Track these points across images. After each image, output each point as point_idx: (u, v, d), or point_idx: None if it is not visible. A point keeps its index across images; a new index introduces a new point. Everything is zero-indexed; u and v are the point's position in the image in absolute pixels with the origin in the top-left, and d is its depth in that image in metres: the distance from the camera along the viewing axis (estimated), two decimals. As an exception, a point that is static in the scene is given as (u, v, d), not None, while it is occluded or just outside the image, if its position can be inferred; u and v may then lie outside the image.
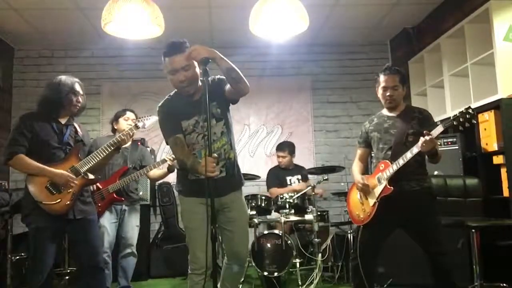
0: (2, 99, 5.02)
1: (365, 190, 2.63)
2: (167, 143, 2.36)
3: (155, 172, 3.49)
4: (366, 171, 2.82)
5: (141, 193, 3.90)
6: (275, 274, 3.53)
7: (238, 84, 2.19)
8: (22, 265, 3.85)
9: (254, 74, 5.24)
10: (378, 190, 2.56)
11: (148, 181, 4.35)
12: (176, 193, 3.70)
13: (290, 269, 3.65)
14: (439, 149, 2.50)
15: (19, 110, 5.05)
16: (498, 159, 3.57)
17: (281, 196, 3.88)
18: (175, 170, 2.60)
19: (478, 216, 3.28)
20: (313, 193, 3.83)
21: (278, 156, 4.57)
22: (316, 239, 3.69)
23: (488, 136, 3.66)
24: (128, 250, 3.46)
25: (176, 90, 2.40)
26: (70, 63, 5.30)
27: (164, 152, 5.13)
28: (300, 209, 3.88)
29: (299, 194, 3.85)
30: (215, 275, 2.05)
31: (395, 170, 2.48)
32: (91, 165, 2.58)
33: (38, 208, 2.43)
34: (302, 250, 3.86)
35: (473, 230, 2.97)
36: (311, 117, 5.50)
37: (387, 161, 2.55)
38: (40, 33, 4.93)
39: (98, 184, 3.29)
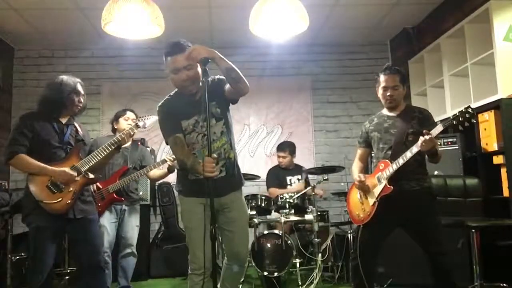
0: (2, 99, 5.02)
1: (364, 188, 2.63)
2: (167, 143, 2.36)
3: (155, 172, 3.49)
4: (366, 171, 2.82)
5: (141, 193, 3.90)
6: (275, 274, 3.53)
7: (238, 84, 2.19)
8: (22, 265, 3.85)
9: (254, 74, 5.24)
10: (378, 190, 2.56)
11: (148, 181, 4.35)
12: (176, 193, 3.70)
13: (290, 269, 3.65)
14: (439, 149, 2.50)
15: (19, 110, 5.05)
16: (498, 159, 3.57)
17: (281, 196, 3.88)
18: (175, 170, 2.60)
19: (478, 216, 3.28)
20: (313, 193, 3.83)
21: (279, 156, 4.57)
22: (316, 239, 3.69)
23: (488, 136, 3.66)
24: (128, 250, 3.46)
25: (176, 90, 2.40)
26: (70, 63, 5.30)
27: (164, 152, 5.13)
28: (300, 209, 3.88)
29: (299, 194, 3.85)
30: (215, 275, 2.05)
31: (395, 169, 2.48)
32: (91, 164, 2.58)
33: (38, 207, 2.43)
34: (302, 250, 3.86)
35: (473, 230, 2.97)
36: (311, 117, 5.50)
37: (387, 160, 2.55)
38: (40, 33, 4.93)
39: (98, 184, 3.29)
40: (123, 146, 2.76)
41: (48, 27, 4.76)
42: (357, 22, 4.92)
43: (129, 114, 3.55)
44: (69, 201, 2.49)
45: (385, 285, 3.34)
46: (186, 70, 2.21)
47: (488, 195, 3.51)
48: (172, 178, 3.50)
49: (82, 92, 2.66)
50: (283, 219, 3.62)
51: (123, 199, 3.39)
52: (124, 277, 3.47)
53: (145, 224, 4.31)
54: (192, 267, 2.30)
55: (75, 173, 2.50)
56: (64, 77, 2.63)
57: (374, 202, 2.56)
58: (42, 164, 2.46)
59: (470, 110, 2.29)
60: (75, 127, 2.69)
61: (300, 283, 3.54)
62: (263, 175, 4.66)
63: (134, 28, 3.05)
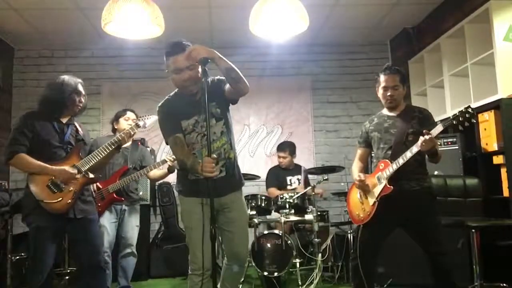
0: (2, 99, 5.02)
1: (364, 188, 2.63)
2: (167, 143, 2.36)
3: (155, 173, 3.49)
4: (366, 171, 2.82)
5: (141, 193, 3.90)
6: (275, 274, 3.53)
7: (238, 84, 2.19)
8: (22, 265, 3.85)
9: (254, 74, 5.24)
10: (378, 190, 2.56)
11: (148, 181, 4.35)
12: (176, 193, 3.70)
13: (290, 269, 3.65)
14: (439, 149, 2.50)
15: (19, 110, 5.06)
16: (498, 159, 3.57)
17: (281, 196, 3.88)
18: (175, 171, 2.60)
19: (478, 216, 3.28)
20: (313, 193, 3.83)
21: (279, 157, 4.57)
22: (316, 239, 3.69)
23: (488, 136, 3.66)
24: (128, 250, 3.46)
25: (176, 90, 2.40)
26: (70, 63, 5.30)
27: (164, 152, 5.13)
28: (300, 209, 3.88)
29: (299, 194, 3.85)
30: (215, 276, 2.05)
31: (395, 169, 2.48)
32: (92, 164, 2.58)
33: (38, 207, 2.43)
34: (302, 250, 3.86)
35: (473, 230, 2.97)
36: (311, 117, 5.50)
37: (387, 160, 2.55)
38: (40, 33, 4.93)
39: (98, 183, 3.29)
40: (123, 146, 2.76)
41: (48, 27, 4.76)
42: (357, 22, 4.92)
43: (130, 114, 3.55)
44: (70, 201, 2.49)
45: (385, 285, 3.34)
46: (189, 70, 2.21)
47: (488, 195, 3.51)
48: (172, 178, 3.51)
49: (83, 92, 2.67)
50: (283, 219, 3.62)
51: (123, 199, 3.39)
52: (124, 277, 3.47)
53: (145, 224, 4.31)
54: (192, 267, 2.29)
55: (75, 171, 2.50)
56: (65, 77, 2.63)
57: (374, 202, 2.56)
58: (43, 164, 2.46)
59: (470, 110, 2.30)
60: (75, 126, 2.70)
61: (300, 283, 3.54)
62: (263, 175, 4.66)
63: (134, 28, 3.05)
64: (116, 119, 3.56)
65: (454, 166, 3.78)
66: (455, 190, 3.45)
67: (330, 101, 5.55)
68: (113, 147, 2.66)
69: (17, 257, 3.82)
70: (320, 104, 5.52)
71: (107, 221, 3.33)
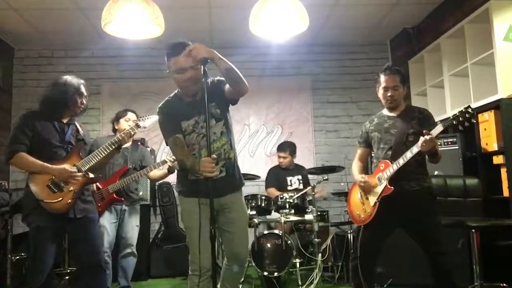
0: (2, 99, 5.02)
1: (367, 188, 2.62)
2: (167, 144, 2.37)
3: (155, 173, 3.49)
4: (366, 171, 2.82)
5: (141, 193, 3.90)
6: (275, 274, 3.53)
7: (237, 84, 2.20)
8: (22, 265, 3.85)
9: (254, 74, 5.24)
10: (378, 190, 2.56)
11: (148, 181, 4.35)
12: (176, 193, 3.70)
13: (290, 269, 3.65)
14: (439, 149, 2.50)
15: (19, 110, 5.05)
16: (498, 159, 3.57)
17: (281, 196, 3.88)
18: (175, 171, 2.60)
19: (478, 216, 3.28)
20: (313, 193, 3.83)
21: (279, 157, 4.57)
22: (316, 239, 3.69)
23: (488, 136, 3.66)
24: (128, 250, 3.46)
25: (176, 91, 2.42)
26: (70, 63, 5.30)
27: (164, 152, 5.13)
28: (300, 209, 3.88)
29: (299, 194, 3.85)
30: (215, 276, 2.05)
31: (395, 170, 2.48)
32: (92, 164, 2.59)
33: (39, 207, 2.43)
34: (302, 250, 3.86)
35: (473, 230, 2.97)
36: (311, 117, 5.50)
37: (387, 161, 2.55)
38: (40, 33, 4.93)
39: (98, 184, 3.29)
40: (123, 146, 2.76)
41: (48, 27, 4.76)
42: (357, 22, 4.92)
43: (130, 115, 3.54)
44: (70, 201, 2.49)
45: (385, 285, 3.34)
46: (193, 70, 2.21)
47: (488, 195, 3.51)
48: (172, 178, 3.50)
49: (85, 93, 2.67)
50: (283, 219, 3.62)
51: (123, 199, 3.39)
52: (124, 277, 3.47)
53: (145, 224, 4.31)
54: (193, 267, 2.29)
55: (75, 170, 2.50)
56: (68, 78, 2.63)
57: (375, 203, 2.56)
58: (42, 163, 2.46)
59: (470, 110, 2.30)
60: (75, 126, 2.70)
61: (300, 283, 3.54)
62: (263, 175, 4.66)
63: (134, 28, 3.05)
64: (116, 119, 3.56)
65: (454, 166, 3.78)
66: (455, 190, 3.45)
67: (330, 101, 5.55)
68: (113, 147, 2.66)
69: (17, 257, 3.82)
70: (320, 104, 5.52)
71: (107, 221, 3.33)
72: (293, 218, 3.76)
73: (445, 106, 4.30)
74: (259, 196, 3.95)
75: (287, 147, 4.56)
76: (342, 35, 5.32)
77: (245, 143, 5.43)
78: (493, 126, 3.61)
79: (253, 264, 3.59)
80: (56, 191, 2.46)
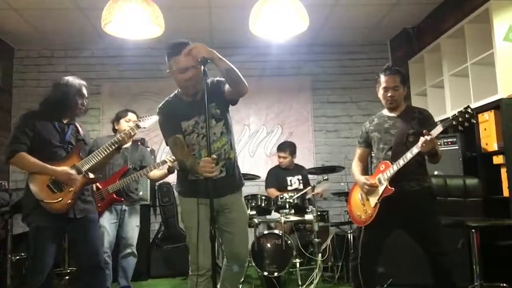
0: (2, 99, 5.02)
1: (372, 191, 2.61)
2: (167, 144, 2.37)
3: (155, 173, 3.49)
4: (366, 171, 2.82)
5: (141, 193, 3.90)
6: (275, 274, 3.53)
7: (237, 84, 2.20)
8: (22, 265, 3.85)
9: (254, 74, 5.25)
10: (379, 191, 2.56)
11: (148, 181, 4.35)
12: (176, 193, 3.70)
13: (290, 269, 3.65)
14: (439, 149, 2.50)
15: (19, 110, 5.05)
16: (498, 159, 3.57)
17: (281, 196, 3.88)
18: (175, 171, 2.61)
19: (478, 216, 3.28)
20: (313, 193, 3.83)
21: (279, 157, 4.57)
22: (316, 239, 3.70)
23: (488, 136, 3.66)
24: (128, 250, 3.46)
25: (176, 92, 2.42)
26: (70, 63, 5.30)
27: (164, 152, 5.13)
28: (300, 209, 3.88)
29: (299, 194, 3.85)
30: (215, 276, 2.05)
31: (395, 170, 2.48)
32: (92, 164, 2.59)
33: (38, 207, 2.43)
34: (302, 250, 3.86)
35: (473, 230, 2.97)
36: (311, 117, 5.50)
37: (388, 161, 2.55)
38: (40, 33, 4.93)
39: (98, 184, 3.29)
40: (123, 146, 2.76)
41: (48, 27, 4.76)
42: (357, 22, 4.92)
43: (131, 116, 3.53)
44: (70, 201, 2.49)
45: (385, 285, 3.34)
46: (195, 69, 2.21)
47: (488, 195, 3.51)
48: (172, 178, 3.51)
49: (86, 95, 2.67)
50: (283, 219, 3.62)
51: (122, 199, 3.39)
52: (124, 277, 3.47)
53: (145, 224, 4.31)
54: (193, 267, 2.29)
55: (75, 173, 2.50)
56: (70, 78, 2.63)
57: (376, 204, 2.56)
58: (43, 163, 2.46)
59: (469, 110, 2.29)
60: (76, 126, 2.70)
61: (300, 283, 3.54)
62: (263, 175, 4.66)
63: (134, 28, 3.05)
64: (117, 119, 3.56)
65: (454, 166, 3.78)
66: (455, 190, 3.44)
67: (330, 101, 5.55)
68: (114, 147, 2.66)
69: (17, 257, 3.82)
70: (320, 104, 5.52)
71: (107, 221, 3.33)
72: (293, 218, 3.76)
73: (445, 106, 4.30)
74: (259, 196, 3.95)
75: (287, 147, 4.56)
76: (342, 35, 5.32)
77: (245, 143, 5.43)
78: (493, 126, 3.61)
79: (253, 264, 3.59)
80: (56, 191, 2.46)
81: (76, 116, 2.68)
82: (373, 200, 2.58)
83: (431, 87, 4.66)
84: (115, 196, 3.34)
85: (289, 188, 4.46)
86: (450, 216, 3.05)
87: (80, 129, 2.72)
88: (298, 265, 3.60)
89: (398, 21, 4.91)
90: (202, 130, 2.30)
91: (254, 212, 3.77)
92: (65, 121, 2.63)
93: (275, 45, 5.05)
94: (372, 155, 2.79)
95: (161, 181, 4.35)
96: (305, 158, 5.19)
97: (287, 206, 3.78)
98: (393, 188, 2.49)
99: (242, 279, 3.20)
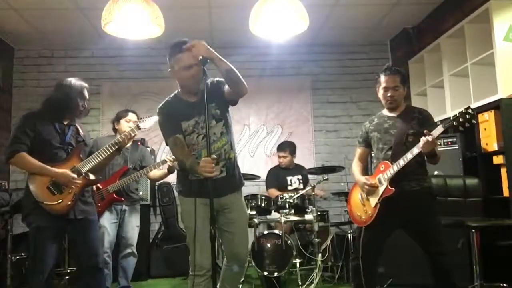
0: (2, 99, 5.02)
1: (372, 191, 2.61)
2: (167, 144, 2.37)
3: (155, 173, 3.49)
4: (366, 171, 2.82)
5: (141, 193, 3.90)
6: (275, 274, 3.53)
7: (237, 85, 2.21)
8: (22, 265, 3.86)
9: (254, 74, 5.25)
10: (379, 191, 2.56)
11: (148, 181, 4.35)
12: (176, 193, 3.70)
13: (290, 269, 3.65)
14: (439, 149, 2.50)
15: (19, 110, 5.06)
16: (498, 159, 3.57)
17: (281, 196, 3.88)
18: (175, 171, 2.61)
19: (478, 216, 3.28)
20: (313, 193, 3.83)
21: (279, 156, 4.57)
22: (316, 239, 3.69)
23: (488, 136, 3.66)
24: (128, 250, 3.46)
25: (176, 92, 2.42)
26: (70, 63, 5.30)
27: (164, 152, 5.13)
28: (300, 209, 3.88)
29: (299, 194, 3.86)
30: (215, 276, 2.05)
31: (395, 170, 2.48)
32: (92, 165, 2.59)
33: (38, 207, 2.43)
34: (302, 250, 3.86)
35: (473, 230, 2.97)
36: (311, 117, 5.50)
37: (388, 161, 2.55)
38: (40, 33, 4.93)
39: (98, 184, 3.29)
40: (124, 146, 2.77)
41: (48, 27, 4.76)
42: (357, 22, 4.92)
43: (131, 116, 3.53)
44: (70, 203, 2.50)
45: (385, 285, 3.34)
46: (197, 67, 2.21)
47: (488, 195, 3.51)
48: (172, 178, 3.51)
49: (87, 97, 2.67)
50: (283, 219, 3.62)
51: (123, 199, 3.39)
52: (124, 277, 3.47)
53: (145, 224, 4.31)
54: (193, 268, 2.29)
55: (75, 176, 2.51)
56: (72, 80, 2.63)
57: (376, 204, 2.56)
58: (43, 164, 2.46)
59: (470, 110, 2.29)
60: (76, 128, 2.70)
61: (300, 283, 3.54)
62: (263, 175, 4.66)
63: (134, 28, 3.05)
64: (117, 119, 3.55)
65: (454, 166, 3.78)
66: (455, 190, 3.44)
67: (330, 101, 5.55)
68: (114, 148, 2.66)
69: (17, 257, 3.82)
70: (320, 104, 5.52)
71: (107, 221, 3.33)
72: (293, 218, 3.76)
73: (445, 106, 4.30)
74: (259, 196, 3.95)
75: (287, 147, 4.56)
76: (342, 35, 5.32)
77: (245, 143, 5.43)
78: (493, 126, 3.61)
79: (253, 264, 3.59)
80: (56, 192, 2.46)
81: (77, 117, 2.68)
82: (373, 200, 2.58)
83: (431, 87, 4.66)
84: (115, 196, 3.34)
85: (289, 188, 4.46)
86: (450, 216, 3.05)
87: (80, 130, 2.72)
88: (298, 265, 3.60)
89: (398, 21, 4.91)
90: (202, 130, 2.30)
91: (254, 212, 3.77)
92: (65, 122, 2.63)
93: (275, 45, 5.05)
94: (372, 155, 2.79)
95: (161, 181, 4.36)
96: (305, 158, 5.18)
97: (287, 206, 3.78)
98: (393, 189, 2.49)
99: (242, 279, 3.20)
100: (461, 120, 2.30)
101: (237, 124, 5.28)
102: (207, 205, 2.07)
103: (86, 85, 2.68)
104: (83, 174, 2.56)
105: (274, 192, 4.37)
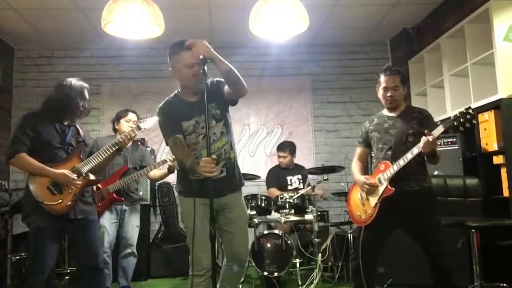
0: (2, 99, 5.02)
1: (372, 190, 2.61)
2: (167, 144, 2.37)
3: (155, 173, 3.49)
4: (366, 171, 2.82)
5: (141, 193, 3.90)
6: (275, 274, 3.53)
7: (236, 86, 2.21)
8: (22, 265, 3.86)
9: (254, 74, 5.25)
10: (379, 191, 2.56)
11: (148, 181, 4.35)
12: (176, 193, 3.70)
13: (290, 269, 3.65)
14: (439, 149, 2.50)
15: (19, 110, 5.06)
16: (498, 159, 3.57)
17: (281, 196, 3.88)
18: (175, 171, 2.61)
19: (478, 216, 3.28)
20: (313, 193, 3.83)
21: (279, 156, 4.57)
22: (316, 239, 3.69)
23: (488, 136, 3.66)
24: (128, 250, 3.46)
25: (176, 92, 2.42)
26: (70, 63, 5.30)
27: (164, 152, 5.13)
28: (300, 209, 3.88)
29: (299, 194, 3.86)
30: (215, 276, 2.05)
31: (395, 170, 2.48)
32: (92, 165, 2.59)
33: (38, 207, 2.43)
34: (302, 250, 3.86)
35: (473, 230, 2.97)
36: (311, 117, 5.50)
37: (388, 161, 2.55)
38: (40, 33, 4.93)
39: (98, 184, 3.29)
40: (124, 147, 2.77)
41: (48, 27, 4.76)
42: (357, 22, 4.92)
43: (131, 116, 3.53)
44: (70, 203, 2.50)
45: (385, 285, 3.34)
46: (198, 66, 2.21)
47: (488, 195, 3.51)
48: (172, 178, 3.51)
49: (87, 97, 2.67)
50: (283, 219, 3.62)
51: (123, 199, 3.39)
52: (124, 277, 3.47)
53: (145, 224, 4.31)
54: (194, 268, 2.29)
55: (75, 176, 2.50)
56: (72, 80, 2.63)
57: (376, 204, 2.56)
58: (43, 165, 2.46)
59: (470, 111, 2.29)
60: (76, 128, 2.70)
61: (300, 283, 3.54)
62: (263, 175, 4.66)
63: (134, 28, 3.04)
64: (117, 119, 3.55)
65: (454, 166, 3.78)
66: (455, 190, 3.44)
67: (330, 101, 5.55)
68: (114, 149, 2.66)
69: (17, 257, 3.82)
70: (320, 104, 5.52)
71: (107, 221, 3.33)
72: (293, 218, 3.76)
73: (445, 106, 4.30)
74: (259, 196, 3.95)
75: (286, 147, 4.56)
76: (342, 35, 5.32)
77: (245, 143, 5.43)
78: (493, 126, 3.61)
79: (253, 264, 3.59)
80: (56, 193, 2.46)
81: (77, 118, 2.68)
82: (373, 200, 2.58)
83: (431, 87, 4.66)
84: (115, 196, 3.34)
85: (289, 187, 4.46)
86: (450, 216, 3.05)
87: (80, 130, 2.72)
88: (298, 265, 3.60)
89: (398, 21, 4.91)
90: (203, 130, 2.30)
91: (254, 212, 3.77)
92: (65, 123, 2.63)
93: (275, 45, 5.05)
94: (372, 155, 2.79)
95: (161, 181, 4.36)
96: (305, 158, 5.19)
97: (287, 206, 3.78)
98: (393, 188, 2.49)
99: (242, 279, 3.20)
100: (461, 120, 2.30)
101: (237, 124, 5.27)
102: (207, 205, 2.07)
103: (86, 85, 2.68)
104: (83, 174, 2.56)
105: (274, 192, 4.37)
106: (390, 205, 2.50)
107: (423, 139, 2.32)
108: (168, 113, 2.35)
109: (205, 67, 2.15)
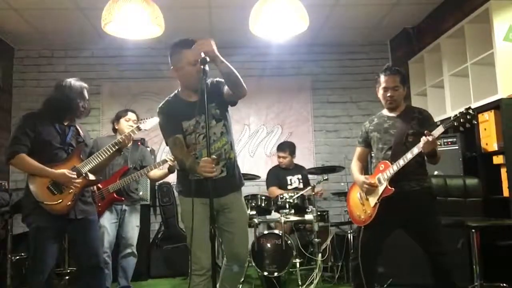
0: (2, 99, 5.02)
1: (371, 190, 2.62)
2: (167, 144, 2.37)
3: (155, 173, 3.49)
4: (366, 170, 2.82)
5: (141, 193, 3.90)
6: (275, 274, 3.53)
7: (236, 87, 2.22)
8: (22, 265, 3.86)
9: (254, 74, 5.25)
10: (379, 191, 2.56)
11: (148, 181, 4.35)
12: (176, 193, 3.70)
13: (290, 269, 3.65)
14: (438, 149, 2.50)
15: (19, 110, 5.06)
16: (498, 159, 3.57)
17: (281, 196, 3.88)
18: (175, 171, 2.61)
19: (478, 216, 3.28)
20: (313, 193, 3.83)
21: (279, 157, 4.57)
22: (316, 239, 3.70)
23: (488, 136, 3.66)
24: (128, 250, 3.46)
25: (176, 92, 2.42)
26: (70, 63, 5.30)
27: (164, 152, 5.13)
28: (300, 209, 3.88)
29: (299, 194, 3.86)
30: (215, 276, 2.05)
31: (395, 170, 2.48)
32: (92, 165, 2.59)
33: (38, 207, 2.43)
34: (302, 250, 3.86)
35: (473, 230, 2.97)
36: (311, 117, 5.50)
37: (387, 161, 2.55)
38: (40, 33, 4.93)
39: (98, 184, 3.29)
40: (124, 147, 2.77)
41: (48, 27, 4.76)
42: (357, 22, 4.92)
43: (131, 115, 3.54)
44: (70, 203, 2.50)
45: (385, 285, 3.34)
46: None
47: (488, 195, 3.51)
48: (172, 178, 3.51)
49: (87, 97, 2.68)
50: (283, 219, 3.62)
51: (123, 199, 3.39)
52: (124, 277, 3.47)
53: (145, 224, 4.31)
54: (194, 267, 2.29)
55: (74, 175, 2.50)
56: (72, 81, 2.63)
57: (376, 204, 2.56)
58: (43, 166, 2.45)
59: (470, 111, 2.29)
60: (76, 128, 2.70)
61: (300, 283, 3.54)
62: (263, 175, 4.66)
63: (134, 28, 3.04)
64: (117, 119, 3.56)
65: (454, 166, 3.78)
66: (455, 190, 3.44)
67: (330, 101, 5.55)
68: (114, 149, 2.67)
69: (17, 257, 3.82)
70: (320, 104, 5.52)
71: (108, 221, 3.33)
72: (293, 218, 3.76)
73: (445, 106, 4.30)
74: (259, 196, 3.95)
75: (286, 147, 4.56)
76: (342, 35, 5.32)
77: (245, 143, 5.43)
78: (493, 126, 3.61)
79: (253, 264, 3.59)
80: (56, 193, 2.46)
81: (77, 118, 2.69)
82: (373, 200, 2.59)
83: (431, 87, 4.66)
84: (115, 196, 3.34)
85: (289, 187, 4.46)
86: (450, 216, 3.05)
87: (80, 130, 2.72)
88: (298, 265, 3.60)
89: (398, 21, 4.91)
90: (203, 130, 2.30)
91: (254, 212, 3.77)
92: (65, 123, 2.63)
93: (275, 45, 5.05)
94: (372, 155, 2.79)
95: (161, 181, 4.36)
96: (305, 158, 5.19)
97: (287, 206, 3.78)
98: (393, 188, 2.49)
99: (242, 279, 3.21)
100: (461, 120, 2.30)
101: (237, 124, 5.28)
102: (207, 205, 2.07)
103: (86, 85, 2.68)
104: (83, 174, 2.56)
105: (275, 191, 4.37)
106: (390, 205, 2.50)
107: (423, 139, 2.32)
108: (168, 113, 2.36)
109: (205, 67, 2.15)
